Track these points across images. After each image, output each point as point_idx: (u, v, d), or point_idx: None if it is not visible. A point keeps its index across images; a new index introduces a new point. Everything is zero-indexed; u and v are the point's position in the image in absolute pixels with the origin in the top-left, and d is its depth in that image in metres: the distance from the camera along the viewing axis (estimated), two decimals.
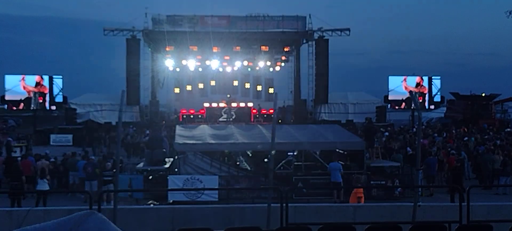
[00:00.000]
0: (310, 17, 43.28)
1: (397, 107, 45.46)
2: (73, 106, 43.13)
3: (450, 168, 20.57)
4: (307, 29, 43.12)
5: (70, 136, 37.89)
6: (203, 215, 11.22)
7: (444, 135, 32.56)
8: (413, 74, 47.72)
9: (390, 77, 46.71)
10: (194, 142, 19.51)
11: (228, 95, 45.04)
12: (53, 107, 44.31)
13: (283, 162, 19.73)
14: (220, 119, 40.12)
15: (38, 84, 43.22)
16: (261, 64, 46.64)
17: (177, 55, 44.16)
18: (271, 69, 48.74)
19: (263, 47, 43.34)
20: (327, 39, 43.47)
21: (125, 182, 17.91)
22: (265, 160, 19.77)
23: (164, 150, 21.41)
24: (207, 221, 11.00)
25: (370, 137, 21.93)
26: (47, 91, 43.15)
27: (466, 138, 29.63)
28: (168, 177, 18.50)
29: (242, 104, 43.48)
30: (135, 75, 42.29)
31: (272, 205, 10.14)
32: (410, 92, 42.80)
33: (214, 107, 42.57)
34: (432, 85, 46.00)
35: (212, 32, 42.10)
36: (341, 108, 43.73)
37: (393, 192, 19.44)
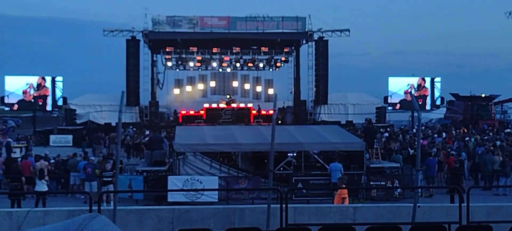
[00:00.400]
0: (310, 17, 43.40)
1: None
2: (72, 107, 43.19)
3: (449, 169, 20.59)
4: (307, 30, 43.16)
5: (69, 137, 37.93)
6: (202, 215, 11.21)
7: (444, 136, 32.58)
8: (413, 75, 47.85)
9: (389, 78, 46.84)
10: (194, 142, 19.52)
11: (228, 96, 45.09)
12: (55, 109, 44.52)
13: (283, 162, 19.74)
14: (220, 120, 40.14)
15: (39, 86, 43.40)
16: (260, 65, 46.72)
17: (176, 56, 44.19)
18: (271, 70, 48.81)
19: (262, 48, 43.40)
20: (327, 40, 43.52)
21: (125, 182, 17.93)
22: (265, 160, 19.77)
23: (164, 150, 21.42)
24: (207, 221, 11.00)
25: (370, 137, 21.95)
26: (48, 93, 43.36)
27: (466, 139, 29.67)
28: (168, 178, 18.53)
29: (242, 105, 43.51)
30: (134, 76, 42.33)
31: (271, 205, 10.15)
32: (409, 92, 42.91)
33: (214, 108, 42.59)
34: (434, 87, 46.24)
35: (212, 33, 42.16)
36: (341, 109, 43.76)
37: (393, 192, 19.44)
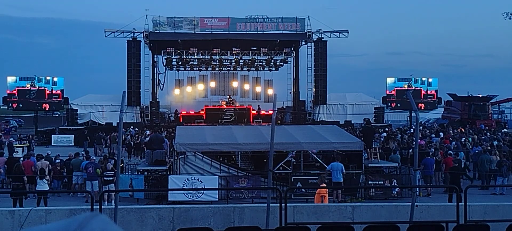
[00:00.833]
0: (309, 18, 43.51)
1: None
2: (74, 107, 43.30)
3: (447, 169, 20.74)
4: (306, 30, 43.28)
5: (71, 137, 38.07)
6: (203, 214, 11.33)
7: (441, 136, 32.70)
8: (411, 76, 48.00)
9: (388, 78, 47.02)
10: (194, 142, 19.67)
11: (228, 96, 45.21)
12: (55, 109, 44.66)
13: (282, 162, 19.87)
14: (220, 120, 40.25)
15: (41, 86, 43.59)
16: (260, 65, 46.82)
17: (177, 57, 44.31)
18: (270, 70, 48.91)
19: (262, 49, 43.51)
20: (326, 41, 43.64)
21: (126, 182, 18.09)
22: (265, 160, 19.91)
23: (165, 150, 21.56)
24: (207, 220, 11.13)
25: (368, 137, 22.09)
26: (50, 93, 43.58)
27: (464, 139, 29.80)
28: (168, 177, 18.68)
29: (242, 105, 43.65)
30: (135, 77, 42.45)
31: (271, 204, 10.28)
32: (407, 91, 43.05)
33: (214, 108, 42.71)
34: (430, 88, 46.39)
35: (212, 34, 42.30)
36: (340, 109, 43.87)
37: (391, 192, 19.58)
